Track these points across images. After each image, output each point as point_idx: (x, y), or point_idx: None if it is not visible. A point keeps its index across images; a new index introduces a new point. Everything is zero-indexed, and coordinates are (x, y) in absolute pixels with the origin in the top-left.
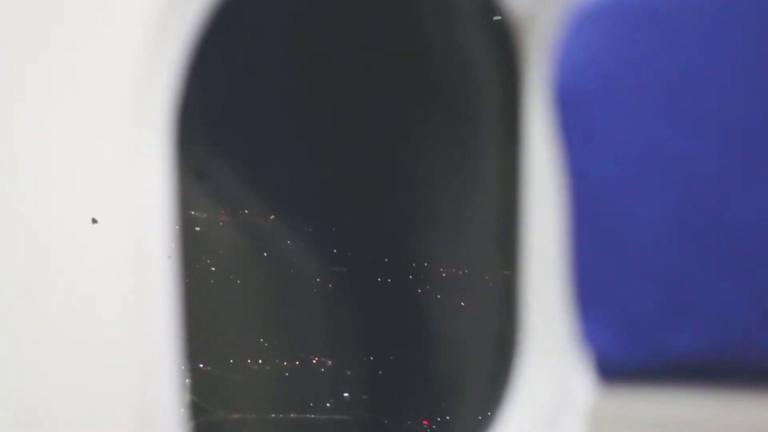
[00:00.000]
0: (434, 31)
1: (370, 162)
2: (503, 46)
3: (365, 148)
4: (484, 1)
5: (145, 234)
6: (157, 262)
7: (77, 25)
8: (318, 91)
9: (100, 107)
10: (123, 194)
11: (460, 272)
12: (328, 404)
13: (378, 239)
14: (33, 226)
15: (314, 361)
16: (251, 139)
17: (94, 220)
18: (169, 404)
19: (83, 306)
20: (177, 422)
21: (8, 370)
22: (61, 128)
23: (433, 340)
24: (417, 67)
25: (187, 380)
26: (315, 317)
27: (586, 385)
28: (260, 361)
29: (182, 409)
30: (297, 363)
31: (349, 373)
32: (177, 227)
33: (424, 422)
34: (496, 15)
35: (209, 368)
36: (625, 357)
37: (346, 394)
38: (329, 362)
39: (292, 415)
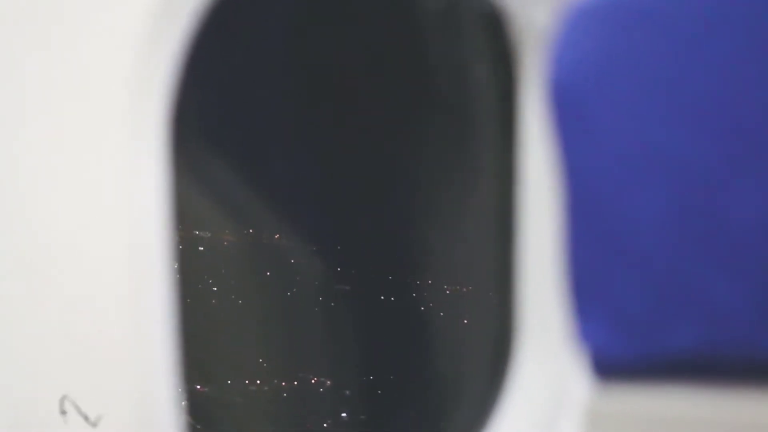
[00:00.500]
0: (432, 31)
1: (370, 164)
2: (500, 46)
3: (363, 149)
4: (481, 1)
5: (143, 233)
6: (155, 260)
7: (74, 25)
8: (316, 91)
9: (96, 107)
10: (120, 193)
11: (464, 289)
12: (325, 425)
13: (382, 254)
14: (30, 227)
15: (313, 381)
16: (249, 140)
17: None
18: (168, 404)
19: (82, 306)
20: (176, 422)
21: (8, 370)
22: (58, 128)
23: (434, 359)
24: (415, 68)
25: (183, 402)
26: (315, 336)
27: (583, 382)
28: (258, 382)
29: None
30: (295, 383)
31: (347, 393)
32: (180, 247)
33: None
34: (494, 15)
35: (206, 389)
36: (622, 355)
37: (344, 414)
38: (328, 382)
39: None
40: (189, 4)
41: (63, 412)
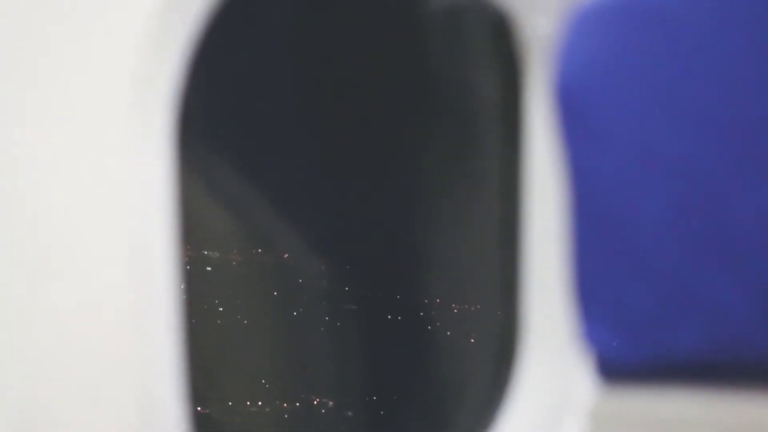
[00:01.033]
0: (437, 35)
1: (371, 166)
2: (505, 50)
3: (376, 163)
4: (486, 5)
5: (147, 233)
6: (158, 260)
7: (79, 24)
8: (320, 91)
9: (100, 107)
10: (124, 194)
11: (472, 308)
12: None
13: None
14: (34, 229)
15: (315, 402)
16: (255, 141)
17: None
18: (171, 405)
19: (84, 306)
20: (179, 423)
21: (8, 371)
22: (62, 128)
23: (438, 379)
24: (420, 73)
25: (184, 424)
26: (320, 357)
27: (588, 384)
28: (260, 403)
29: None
30: (297, 404)
31: (350, 413)
32: (188, 267)
33: None
34: (499, 19)
35: (208, 411)
36: (626, 356)
37: None
38: (330, 403)
39: None
40: (195, 4)
41: None
